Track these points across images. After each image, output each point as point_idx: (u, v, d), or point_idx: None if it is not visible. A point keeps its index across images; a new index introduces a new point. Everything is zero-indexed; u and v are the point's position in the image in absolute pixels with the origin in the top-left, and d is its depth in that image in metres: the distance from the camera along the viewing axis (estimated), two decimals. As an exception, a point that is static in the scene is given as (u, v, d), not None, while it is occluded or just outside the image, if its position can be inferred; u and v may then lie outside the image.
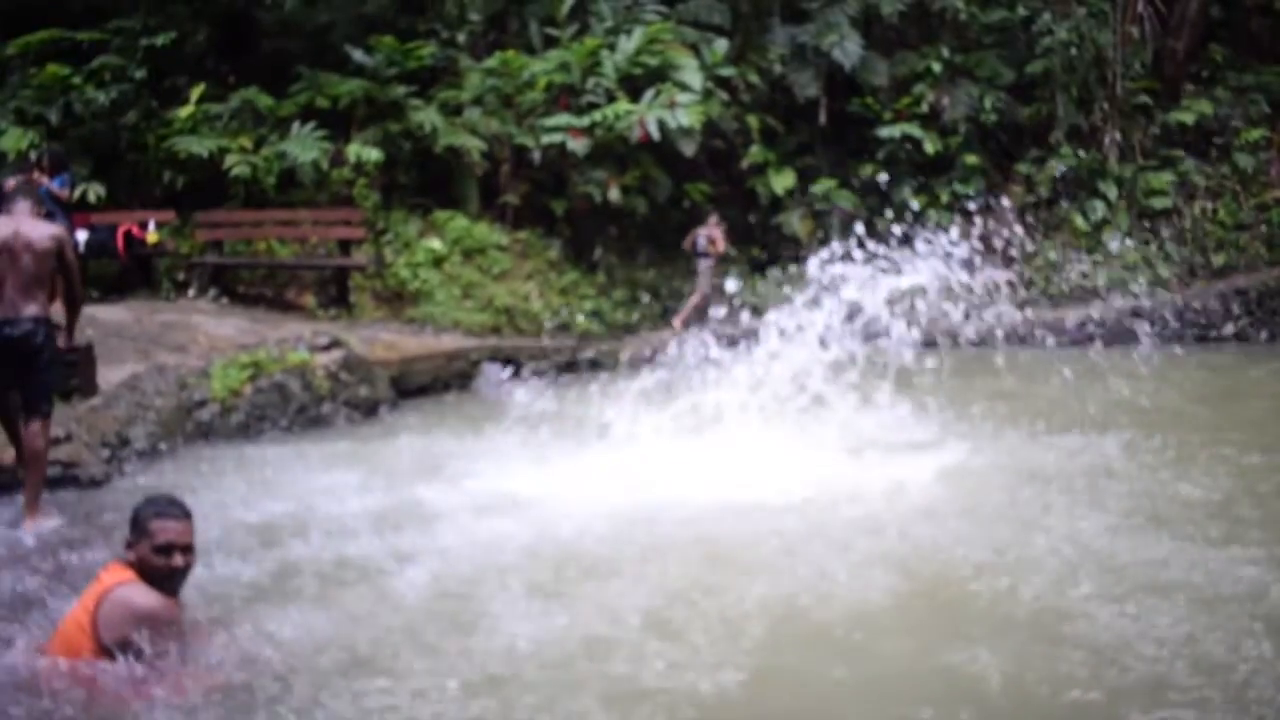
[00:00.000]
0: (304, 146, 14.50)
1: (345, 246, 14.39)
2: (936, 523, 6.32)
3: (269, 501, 7.05)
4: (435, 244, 14.82)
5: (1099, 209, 16.18)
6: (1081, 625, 4.69)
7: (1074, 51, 16.46)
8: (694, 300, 15.39)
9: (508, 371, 12.82)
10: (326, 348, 10.61)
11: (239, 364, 10.00)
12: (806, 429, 8.14)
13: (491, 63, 15.74)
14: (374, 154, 14.63)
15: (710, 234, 15.66)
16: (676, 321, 15.23)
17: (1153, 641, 4.45)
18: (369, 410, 10.49)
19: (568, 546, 6.06)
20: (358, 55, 15.50)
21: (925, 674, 4.35)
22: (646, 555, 5.83)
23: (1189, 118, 16.62)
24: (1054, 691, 4.12)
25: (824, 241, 16.89)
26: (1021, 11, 17.59)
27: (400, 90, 15.30)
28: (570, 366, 13.72)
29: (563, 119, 15.21)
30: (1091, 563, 5.47)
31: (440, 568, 5.64)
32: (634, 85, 15.55)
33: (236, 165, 14.39)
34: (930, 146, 16.42)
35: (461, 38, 16.43)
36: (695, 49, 16.12)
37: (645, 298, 15.90)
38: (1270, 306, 15.10)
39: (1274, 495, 6.85)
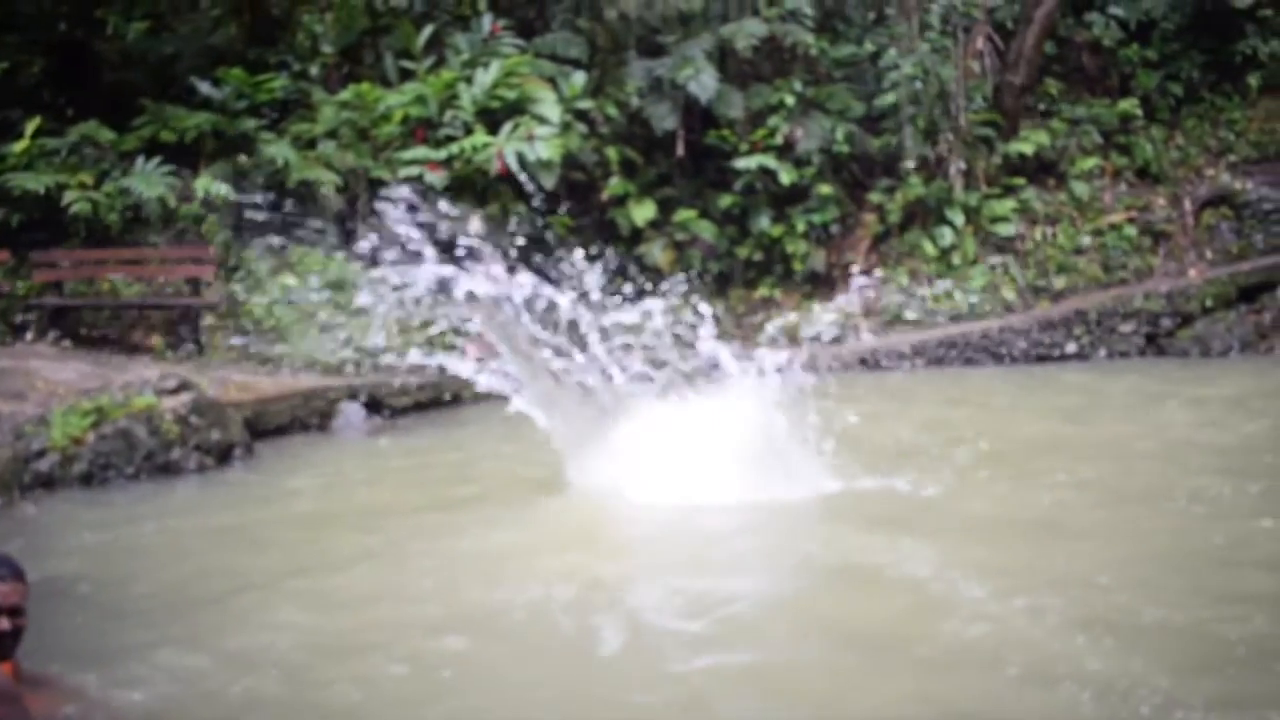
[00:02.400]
0: (149, 182, 13.99)
1: (195, 285, 13.90)
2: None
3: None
4: (290, 280, 14.43)
5: (947, 236, 16.78)
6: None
7: (919, 86, 17.08)
8: (482, 331, 14.92)
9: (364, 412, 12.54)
10: (175, 390, 10.20)
11: (81, 410, 9.53)
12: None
13: (346, 95, 15.48)
14: (224, 189, 14.20)
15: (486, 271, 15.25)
16: (470, 352, 14.64)
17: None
18: (222, 455, 10.11)
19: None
20: (205, 87, 15.06)
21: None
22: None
23: (1028, 148, 17.40)
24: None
25: (686, 271, 17.22)
26: (869, 47, 18.23)
27: (250, 123, 14.91)
28: (435, 403, 13.52)
29: (420, 152, 15.05)
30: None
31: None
32: (492, 118, 15.49)
33: (76, 202, 13.77)
34: (786, 177, 16.78)
35: (314, 70, 16.13)
36: (553, 82, 16.17)
37: (509, 331, 15.78)
38: (1108, 325, 15.86)
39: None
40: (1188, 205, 17.19)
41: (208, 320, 13.89)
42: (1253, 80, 18.06)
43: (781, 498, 7.48)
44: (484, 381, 8.81)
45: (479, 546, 6.80)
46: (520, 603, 5.63)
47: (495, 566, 6.35)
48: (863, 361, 15.92)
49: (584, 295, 8.19)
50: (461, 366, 8.93)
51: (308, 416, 12.17)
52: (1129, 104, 17.98)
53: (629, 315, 8.23)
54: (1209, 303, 15.74)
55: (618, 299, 8.30)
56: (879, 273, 16.61)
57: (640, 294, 8.54)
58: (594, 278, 8.24)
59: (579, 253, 8.79)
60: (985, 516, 7.04)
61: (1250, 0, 17.52)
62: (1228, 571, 5.67)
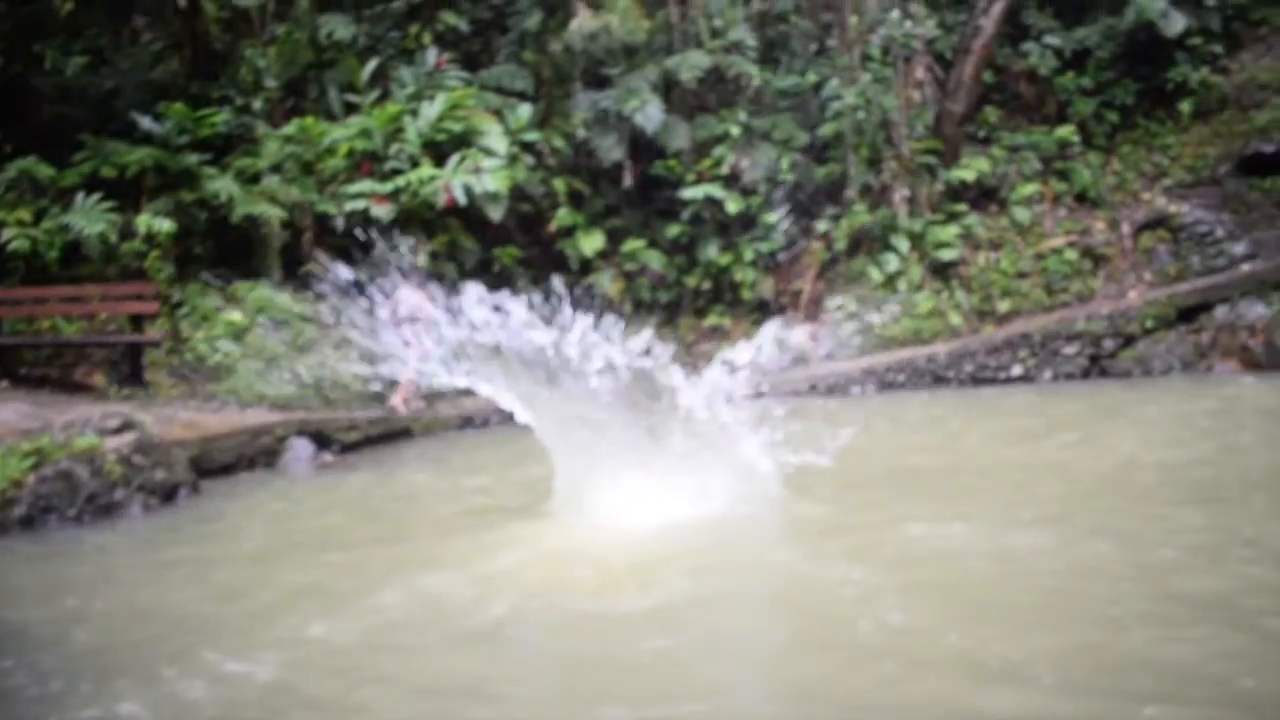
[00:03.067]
0: (89, 218, 13.76)
1: (137, 322, 13.67)
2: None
3: None
4: (235, 316, 14.27)
5: (893, 262, 16.96)
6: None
7: (862, 115, 17.32)
8: (409, 375, 13.64)
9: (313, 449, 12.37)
10: (118, 430, 10.00)
11: (20, 452, 9.31)
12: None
13: (290, 130, 15.38)
14: (166, 225, 14.00)
15: (403, 300, 13.67)
16: (397, 400, 13.78)
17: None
18: (167, 495, 9.93)
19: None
20: (146, 122, 14.88)
21: None
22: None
23: (969, 175, 17.68)
24: None
25: (636, 300, 17.27)
26: (812, 78, 18.46)
27: (193, 158, 14.74)
28: (385, 437, 13.40)
29: (366, 185, 14.97)
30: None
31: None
32: (438, 151, 15.46)
33: (15, 239, 13.53)
34: (732, 206, 16.92)
35: (258, 104, 16.01)
36: (499, 115, 16.19)
37: (459, 363, 15.69)
38: (1052, 348, 16.10)
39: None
40: (1126, 229, 17.53)
41: (151, 357, 13.66)
42: (1185, 106, 18.52)
43: (730, 517, 7.48)
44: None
45: (423, 584, 6.71)
46: (463, 639, 5.56)
47: (437, 604, 6.26)
48: (813, 387, 16.00)
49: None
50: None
51: (255, 454, 11.99)
52: (1066, 131, 18.35)
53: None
54: (1149, 324, 16.04)
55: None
56: (839, 300, 16.77)
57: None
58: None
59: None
60: (931, 538, 7.08)
61: (1180, 29, 17.98)
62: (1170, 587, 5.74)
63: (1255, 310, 15.87)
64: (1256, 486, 7.70)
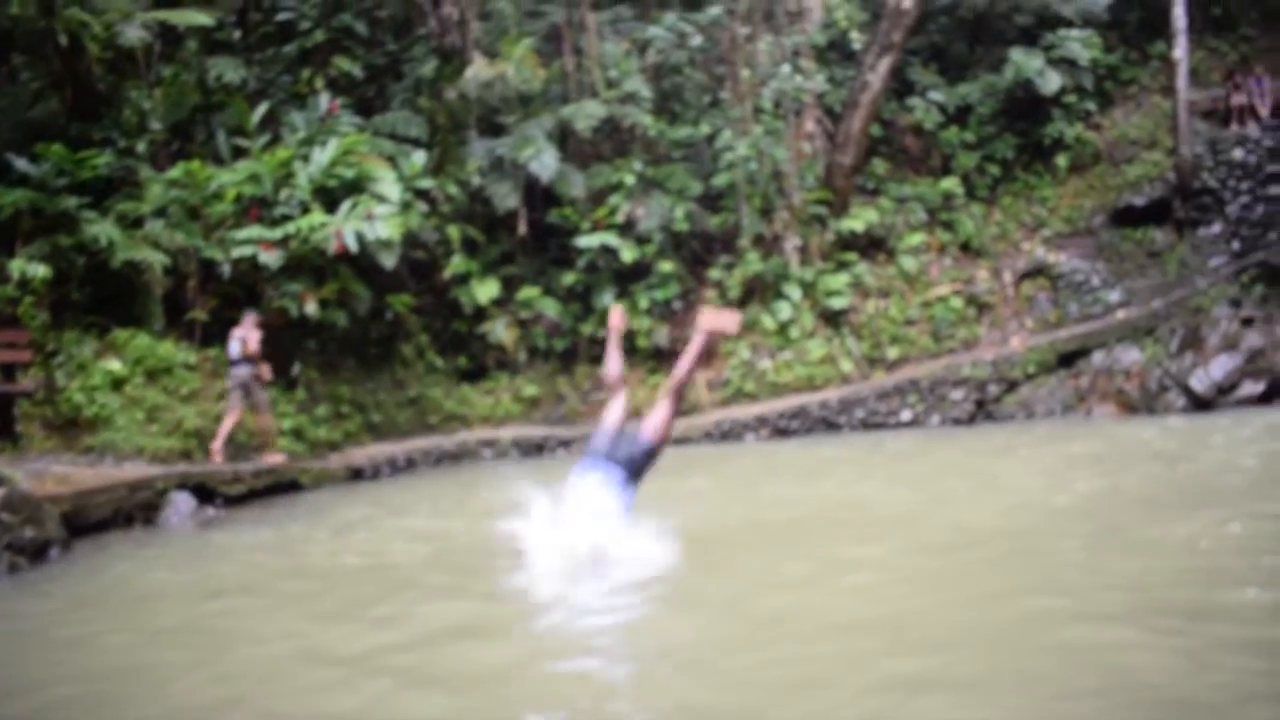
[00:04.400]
0: (-41, 263, 13.17)
1: (9, 371, 13.07)
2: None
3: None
4: (114, 365, 13.74)
5: (785, 310, 17.23)
6: None
7: (754, 166, 17.64)
8: (230, 420, 13.29)
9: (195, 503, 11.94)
10: (-16, 486, 9.50)
11: (-126, 510, 8.77)
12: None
13: (175, 173, 14.98)
14: (41, 270, 13.44)
15: (245, 336, 13.50)
16: (215, 447, 13.17)
17: None
18: (36, 553, 9.43)
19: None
20: (22, 164, 14.35)
21: None
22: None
23: (859, 225, 18.10)
24: None
25: (531, 349, 17.18)
26: (705, 129, 18.77)
27: (71, 201, 14.23)
28: (272, 489, 13.00)
29: (254, 231, 14.64)
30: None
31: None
32: (330, 197, 15.23)
33: (-122, 285, 12.86)
34: (627, 254, 17.02)
35: (141, 147, 15.58)
36: (393, 161, 16.05)
37: (350, 413, 15.40)
38: (940, 393, 16.48)
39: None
40: (1008, 277, 18.13)
41: (23, 408, 13.07)
42: (1061, 161, 19.30)
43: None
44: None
45: (301, 643, 6.46)
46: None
47: (312, 661, 6.03)
48: (708, 435, 16.10)
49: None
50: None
51: (133, 509, 11.48)
52: (950, 183, 18.95)
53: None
54: (1031, 369, 16.55)
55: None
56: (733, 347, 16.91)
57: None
58: None
59: None
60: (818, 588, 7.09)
61: (1056, 88, 18.76)
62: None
63: (1130, 355, 16.49)
64: (1134, 525, 7.91)
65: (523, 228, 17.44)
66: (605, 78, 18.52)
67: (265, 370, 13.75)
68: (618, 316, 7.66)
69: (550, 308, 17.05)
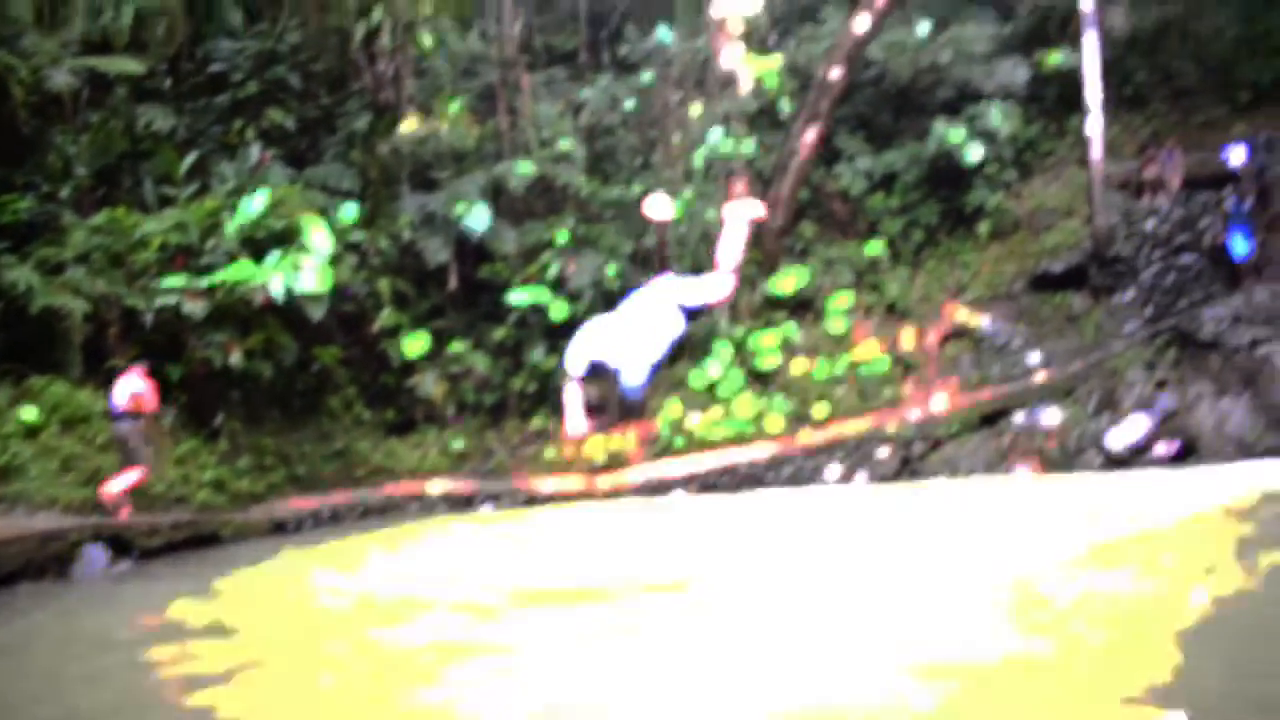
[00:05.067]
0: None
1: (-84, 417, 12.65)
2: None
3: None
4: (29, 413, 13.36)
5: (714, 367, 17.37)
6: None
7: (684, 227, 17.86)
8: (132, 476, 12.75)
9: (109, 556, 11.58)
10: (-116, 532, 9.13)
11: None
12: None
13: (99, 220, 14.75)
14: (-45, 314, 13.12)
15: (134, 389, 12.92)
16: (109, 498, 12.63)
17: None
18: (-62, 603, 9.07)
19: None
20: (-61, 207, 14.05)
21: None
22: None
23: (788, 286, 18.38)
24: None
25: (460, 403, 17.07)
26: (637, 189, 18.97)
27: (-10, 246, 13.95)
28: (190, 542, 12.67)
29: (179, 280, 14.43)
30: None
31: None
32: (258, 248, 15.09)
33: None
34: (558, 311, 17.06)
35: (65, 192, 15.33)
36: (324, 213, 15.96)
37: (274, 464, 15.12)
38: (866, 451, 16.66)
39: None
40: (932, 338, 18.48)
41: (-71, 456, 12.61)
42: (982, 227, 19.84)
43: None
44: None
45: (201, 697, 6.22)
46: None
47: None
48: (637, 490, 16.06)
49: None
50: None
51: (45, 561, 11.09)
52: (876, 246, 19.35)
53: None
54: (955, 428, 16.82)
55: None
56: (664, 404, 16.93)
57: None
58: None
59: None
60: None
61: (978, 158, 19.35)
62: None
63: (1050, 415, 16.84)
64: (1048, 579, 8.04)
65: (453, 282, 17.43)
66: (539, 137, 18.71)
67: (153, 425, 13.21)
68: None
69: (480, 362, 16.99)
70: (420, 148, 17.70)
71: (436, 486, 16.02)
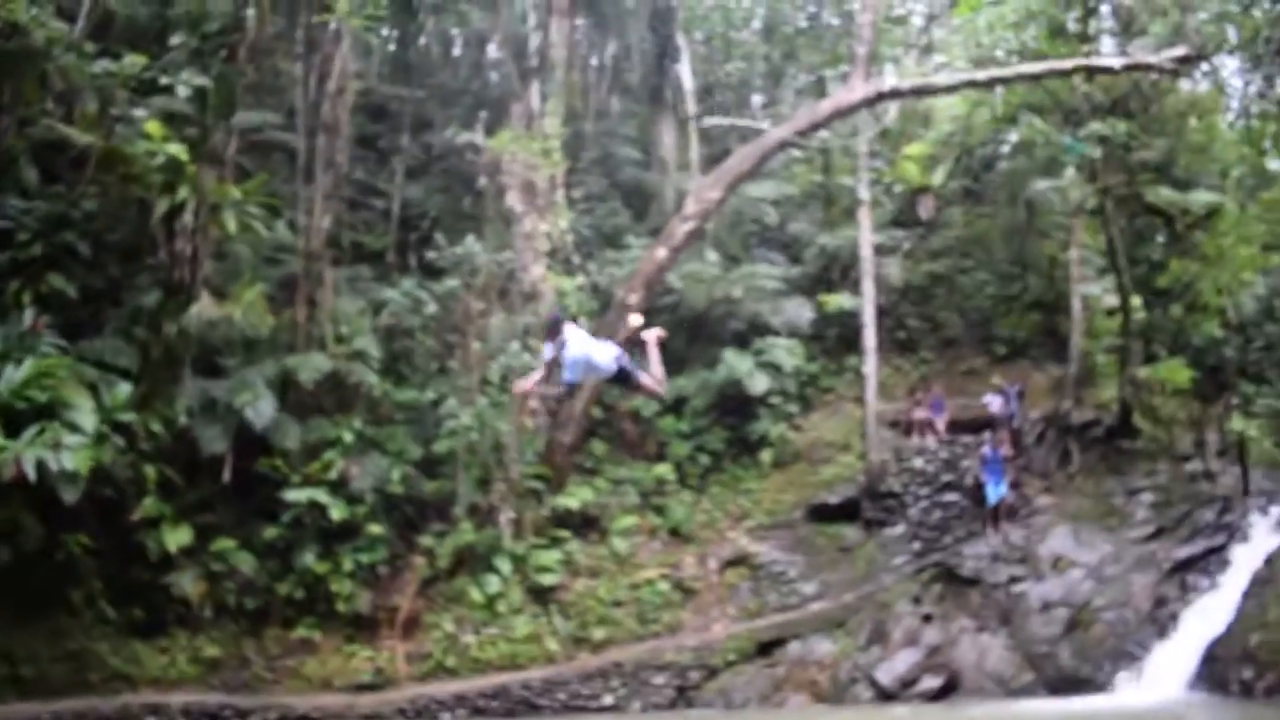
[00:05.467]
0: None
1: None
2: None
3: None
4: None
5: (494, 583, 16.91)
6: None
7: (476, 436, 17.71)
8: None
9: None
10: None
11: None
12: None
13: None
14: None
15: None
16: None
17: None
18: None
19: None
20: None
21: None
22: None
23: (574, 503, 18.34)
24: None
25: (219, 605, 15.92)
26: (431, 394, 18.79)
27: None
28: None
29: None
30: None
31: None
32: (15, 419, 13.97)
33: None
34: (337, 513, 16.38)
35: None
36: (94, 390, 15.02)
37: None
38: (642, 678, 16.39)
39: None
40: (713, 564, 18.66)
41: None
42: (766, 456, 20.53)
43: None
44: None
45: None
46: None
47: None
48: (402, 712, 15.21)
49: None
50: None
51: None
52: (664, 469, 19.69)
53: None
54: (731, 657, 16.81)
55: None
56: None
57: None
58: None
59: None
60: None
61: (763, 389, 20.23)
62: None
63: (823, 646, 17.11)
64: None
65: (228, 474, 16.54)
66: (336, 333, 18.40)
67: None
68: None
69: (246, 562, 15.98)
70: (210, 331, 17.05)
71: (179, 698, 14.66)
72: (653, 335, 7.85)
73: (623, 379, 8.04)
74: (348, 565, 16.36)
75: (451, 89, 25.06)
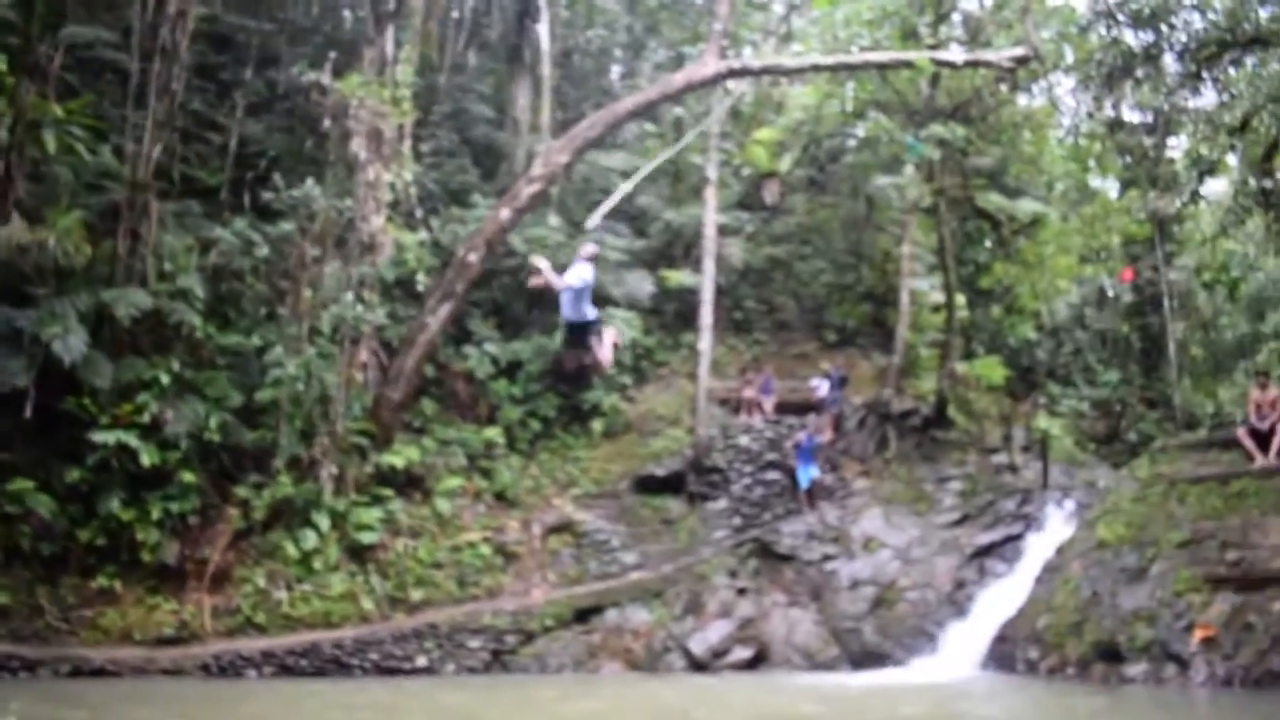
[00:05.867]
0: None
1: None
2: None
3: None
4: None
5: (311, 539, 16.51)
6: None
7: (301, 386, 17.18)
8: None
9: None
10: None
11: None
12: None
13: None
14: None
15: None
16: None
17: None
18: None
19: None
20: None
21: None
22: None
23: (399, 461, 18.03)
24: None
25: (11, 550, 15.05)
26: (257, 340, 18.12)
27: None
28: None
29: None
30: None
31: None
32: None
33: None
34: (147, 458, 15.65)
35: None
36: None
37: None
38: (458, 640, 16.31)
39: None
40: (536, 530, 18.69)
41: None
42: (597, 426, 20.64)
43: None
44: None
45: None
46: None
47: None
48: (205, 668, 14.73)
49: None
50: None
51: None
52: (494, 432, 19.56)
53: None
54: (549, 622, 16.90)
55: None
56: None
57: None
58: None
59: None
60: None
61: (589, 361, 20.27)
62: None
63: (640, 615, 17.39)
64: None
65: (29, 411, 15.59)
66: (159, 269, 17.51)
67: None
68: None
69: (44, 505, 15.12)
70: (20, 257, 15.98)
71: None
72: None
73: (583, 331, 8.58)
74: (156, 513, 15.67)
75: (302, 26, 24.08)
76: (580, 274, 9.20)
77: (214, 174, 20.83)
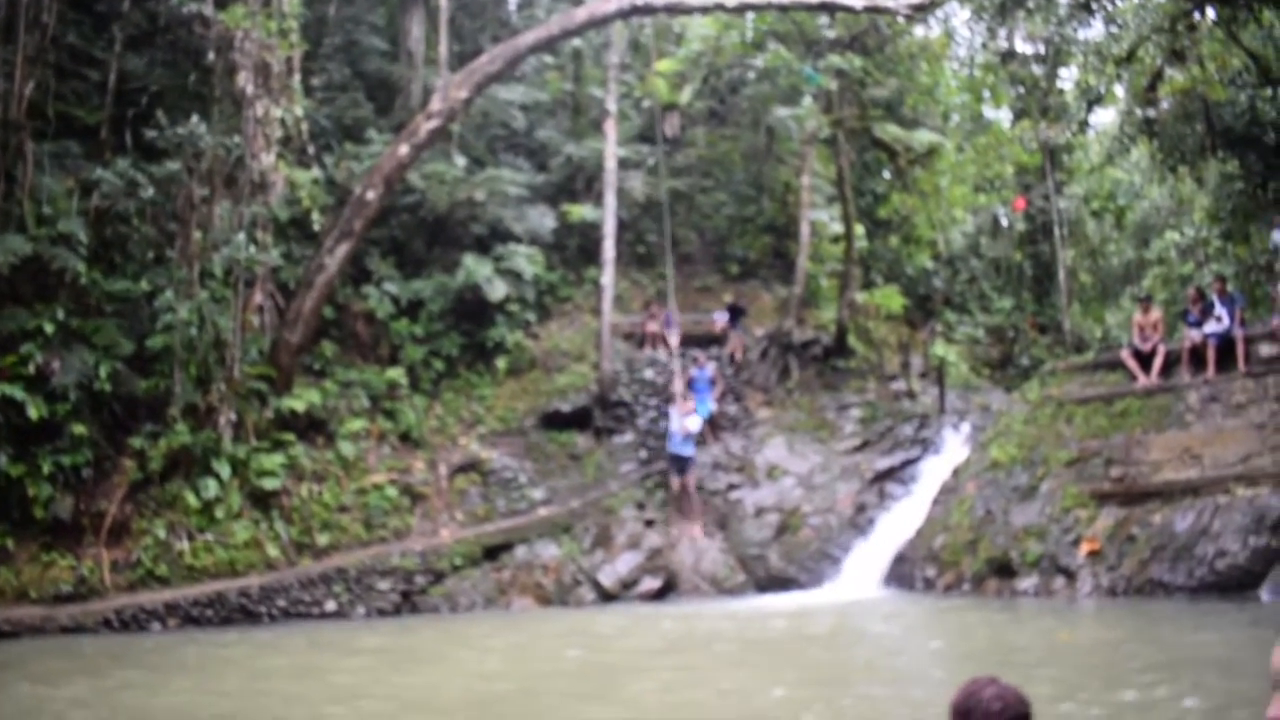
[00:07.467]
0: None
1: None
2: None
3: None
4: None
5: (211, 487, 16.19)
6: None
7: (195, 331, 16.70)
8: None
9: None
10: None
11: None
12: None
13: None
14: None
15: None
16: None
17: None
18: None
19: None
20: None
21: None
22: None
23: (300, 405, 17.72)
24: None
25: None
26: (146, 286, 17.50)
27: None
28: None
29: None
30: None
31: None
32: None
33: None
34: (35, 411, 15.13)
35: None
36: None
37: None
38: (367, 583, 16.26)
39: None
40: (443, 470, 18.62)
41: None
42: (501, 363, 20.54)
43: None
44: None
45: None
46: None
47: None
48: (107, 623, 14.45)
49: None
50: None
51: None
52: (396, 373, 19.33)
53: None
54: (458, 561, 16.93)
55: None
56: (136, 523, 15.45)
57: None
58: None
59: None
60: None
61: (500, 295, 20.13)
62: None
63: (549, 550, 17.53)
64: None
65: (-98, 366, 14.97)
66: (37, 213, 16.79)
67: None
68: None
69: (-77, 463, 14.61)
70: (-119, 206, 15.25)
71: None
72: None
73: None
74: (47, 468, 15.18)
75: (180, -46, 23.04)
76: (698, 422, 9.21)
77: (93, 112, 19.92)
